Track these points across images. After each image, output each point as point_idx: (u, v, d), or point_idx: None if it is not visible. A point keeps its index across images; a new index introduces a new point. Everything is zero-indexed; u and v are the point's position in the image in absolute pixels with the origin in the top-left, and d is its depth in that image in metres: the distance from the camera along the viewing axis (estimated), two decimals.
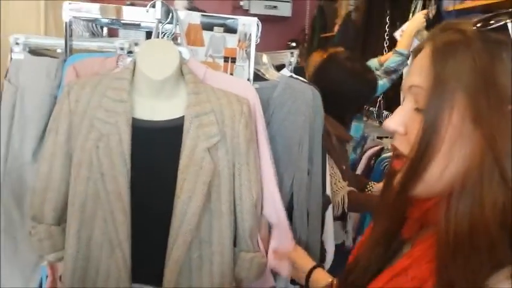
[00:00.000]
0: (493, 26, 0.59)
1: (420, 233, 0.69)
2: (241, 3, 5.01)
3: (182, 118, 1.21)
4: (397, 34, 2.49)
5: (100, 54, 1.43)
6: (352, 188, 1.82)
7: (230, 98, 1.26)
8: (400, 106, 0.68)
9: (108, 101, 1.20)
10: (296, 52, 1.64)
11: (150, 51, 1.23)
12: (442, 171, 0.61)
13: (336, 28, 3.83)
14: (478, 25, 0.60)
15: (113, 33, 2.08)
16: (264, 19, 5.00)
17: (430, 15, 2.60)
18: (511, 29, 0.58)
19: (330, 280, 1.06)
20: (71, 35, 1.49)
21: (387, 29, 3.01)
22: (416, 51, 0.68)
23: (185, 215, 1.17)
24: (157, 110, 1.24)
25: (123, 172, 1.15)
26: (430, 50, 0.63)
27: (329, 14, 4.56)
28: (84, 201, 1.18)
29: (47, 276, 1.41)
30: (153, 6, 1.33)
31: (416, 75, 0.65)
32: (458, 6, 2.38)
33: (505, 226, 0.55)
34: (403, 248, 0.72)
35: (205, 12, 4.20)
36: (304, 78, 1.62)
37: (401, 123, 0.66)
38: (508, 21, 0.59)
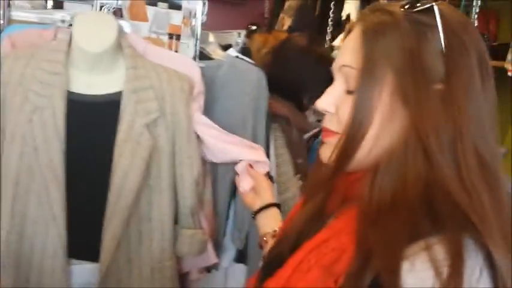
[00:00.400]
0: (419, 8, 0.61)
1: (342, 206, 0.70)
2: None
3: (120, 93, 1.20)
4: None
5: (38, 26, 1.38)
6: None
7: (170, 75, 1.25)
8: (330, 86, 0.69)
9: (43, 73, 1.16)
10: (243, 33, 1.64)
11: (87, 23, 1.20)
12: (372, 147, 0.62)
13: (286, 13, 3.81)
14: (406, 7, 0.62)
15: (58, 7, 2.00)
16: (224, 1, 4.90)
17: None
18: (437, 11, 0.60)
19: (276, 229, 1.00)
20: (8, 6, 1.43)
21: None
22: (347, 31, 0.69)
23: (122, 191, 1.15)
24: (94, 84, 1.21)
25: (56, 146, 1.13)
26: (361, 31, 0.64)
27: None
28: (18, 176, 1.14)
29: None
30: None
31: (347, 55, 0.65)
32: None
33: (427, 200, 0.57)
34: (327, 222, 0.73)
35: None
36: (251, 59, 1.61)
37: (332, 103, 0.67)
38: (433, 3, 0.61)
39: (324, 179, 0.71)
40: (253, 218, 1.07)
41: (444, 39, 0.59)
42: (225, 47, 1.64)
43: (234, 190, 1.51)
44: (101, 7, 1.40)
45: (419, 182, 0.58)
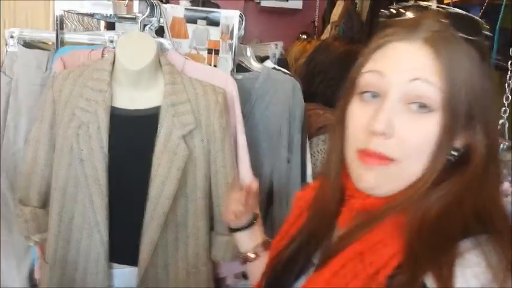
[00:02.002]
0: (476, 37, 0.62)
1: (357, 219, 0.68)
2: None
3: (159, 107, 1.27)
4: None
5: (87, 47, 1.49)
6: None
7: (206, 88, 1.31)
8: (385, 105, 0.61)
9: (88, 91, 1.26)
10: (280, 44, 1.68)
11: (128, 43, 1.29)
12: None
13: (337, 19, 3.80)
14: (464, 34, 0.62)
15: (110, 28, 2.14)
16: (275, 12, 4.98)
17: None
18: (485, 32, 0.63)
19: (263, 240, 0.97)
20: (61, 28, 1.56)
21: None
22: (376, 46, 0.65)
23: (159, 198, 1.23)
24: (136, 99, 1.30)
25: (100, 158, 1.22)
26: (427, 48, 0.61)
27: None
28: (65, 186, 1.25)
29: (37, 258, 1.49)
30: None
31: (418, 71, 0.60)
32: None
33: (476, 211, 0.59)
34: (334, 234, 0.72)
35: (217, 5, 4.23)
36: (287, 69, 1.65)
37: (391, 124, 0.60)
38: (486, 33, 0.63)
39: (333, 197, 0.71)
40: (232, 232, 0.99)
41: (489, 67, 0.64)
42: (263, 59, 1.68)
43: (270, 197, 1.55)
44: (145, 26, 1.50)
45: (473, 194, 0.60)
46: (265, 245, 0.96)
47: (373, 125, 0.60)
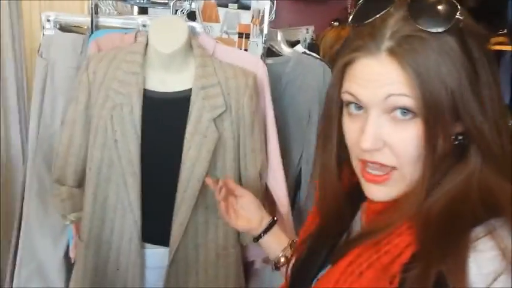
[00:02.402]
0: (445, 28, 0.60)
1: (379, 219, 0.69)
2: None
3: (190, 90, 1.28)
4: None
5: (121, 31, 1.52)
6: None
7: (236, 71, 1.32)
8: (368, 120, 0.63)
9: (122, 73, 1.29)
10: (311, 28, 1.67)
11: (161, 26, 1.31)
12: None
13: None
14: (429, 29, 0.59)
15: (143, 12, 2.16)
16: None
17: None
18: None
19: (285, 246, 1.00)
20: (96, 13, 1.59)
21: None
22: (345, 63, 0.65)
23: (189, 181, 1.25)
24: (168, 82, 1.31)
25: (133, 139, 1.24)
26: (392, 61, 0.60)
27: None
28: (100, 166, 1.28)
29: (73, 237, 1.54)
30: None
31: (391, 85, 0.61)
32: None
33: (481, 194, 0.60)
34: (354, 229, 0.75)
35: None
36: (318, 54, 1.64)
37: (378, 138, 0.63)
38: (458, 16, 0.60)
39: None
40: (256, 241, 1.03)
41: (471, 47, 0.60)
42: (294, 44, 1.68)
43: (299, 183, 1.55)
44: (176, 10, 1.51)
45: (474, 185, 0.60)
46: (292, 246, 0.98)
47: (361, 145, 0.63)
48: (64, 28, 1.64)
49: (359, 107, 0.64)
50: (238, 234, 1.36)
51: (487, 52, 0.62)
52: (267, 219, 1.04)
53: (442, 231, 0.59)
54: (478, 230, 0.56)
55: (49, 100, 1.60)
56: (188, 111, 1.27)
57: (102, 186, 1.29)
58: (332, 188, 0.75)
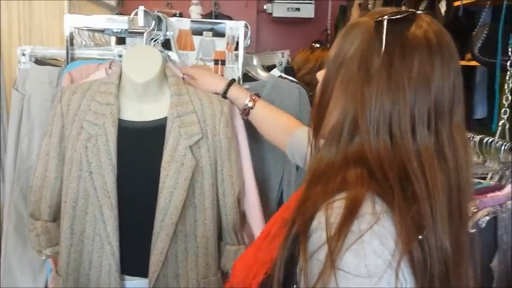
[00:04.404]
0: (379, 19, 0.71)
1: None
2: (265, 6, 5.07)
3: (165, 119, 1.28)
4: None
5: (95, 61, 1.52)
6: None
7: (211, 98, 1.33)
8: None
9: (96, 104, 1.28)
10: (287, 52, 1.69)
11: (134, 56, 1.31)
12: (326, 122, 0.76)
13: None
14: (377, 17, 0.72)
15: (121, 42, 2.18)
16: (287, 21, 5.00)
17: (442, 12, 2.58)
18: (385, 30, 0.70)
19: (249, 97, 1.35)
20: (72, 45, 1.59)
21: None
22: None
23: (167, 209, 1.23)
24: (143, 111, 1.31)
25: (109, 170, 1.23)
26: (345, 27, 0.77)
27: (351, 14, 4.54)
28: (76, 198, 1.26)
29: (51, 270, 1.51)
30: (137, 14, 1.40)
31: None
32: (467, 1, 2.34)
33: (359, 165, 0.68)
34: None
35: (230, 18, 4.27)
36: (294, 77, 1.66)
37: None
38: (385, 17, 0.70)
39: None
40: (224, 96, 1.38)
41: (387, 48, 0.69)
42: (270, 68, 1.69)
43: (280, 204, 1.54)
44: (152, 39, 1.52)
45: (347, 154, 0.70)
46: (257, 95, 1.37)
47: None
48: (40, 61, 1.65)
49: None
50: (219, 261, 1.35)
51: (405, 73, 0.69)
52: (225, 80, 1.41)
53: (313, 192, 0.68)
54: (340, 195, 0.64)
55: (25, 133, 1.59)
56: (164, 140, 1.27)
57: (78, 219, 1.27)
58: None
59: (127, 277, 1.29)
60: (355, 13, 3.98)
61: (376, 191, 0.64)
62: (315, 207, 0.64)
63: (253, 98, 1.36)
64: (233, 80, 1.41)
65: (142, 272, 1.27)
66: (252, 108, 1.36)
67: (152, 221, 1.25)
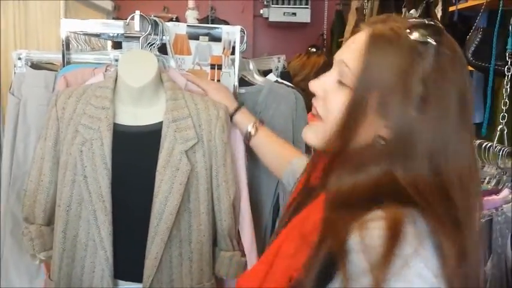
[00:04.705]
0: (421, 39, 0.69)
1: (321, 185, 0.78)
2: (261, 11, 5.08)
3: (161, 123, 1.28)
4: None
5: (90, 65, 1.52)
6: None
7: (207, 103, 1.33)
8: (326, 73, 0.79)
9: (91, 108, 1.28)
10: (283, 57, 1.69)
11: (130, 60, 1.31)
12: (352, 142, 0.72)
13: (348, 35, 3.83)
14: (411, 34, 0.69)
15: (117, 47, 2.18)
16: (283, 26, 5.01)
17: (438, 17, 2.60)
18: (433, 48, 0.68)
19: (252, 123, 1.35)
20: (68, 49, 1.59)
21: None
22: (355, 30, 0.78)
23: (162, 214, 1.23)
24: (138, 116, 1.31)
25: (104, 175, 1.23)
26: (367, 37, 0.72)
27: (347, 19, 4.56)
28: (70, 203, 1.26)
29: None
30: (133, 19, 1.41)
31: (349, 53, 0.74)
32: (462, 6, 2.35)
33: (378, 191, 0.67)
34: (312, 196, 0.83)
35: (227, 22, 4.27)
36: (291, 82, 1.66)
37: (323, 88, 0.77)
38: (431, 40, 0.68)
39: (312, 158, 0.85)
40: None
41: (432, 73, 0.67)
42: (266, 73, 1.70)
43: (277, 210, 1.55)
44: (149, 44, 1.52)
45: (378, 176, 0.68)
46: (259, 122, 1.36)
47: (309, 85, 0.79)
48: (36, 65, 1.65)
49: None
50: (213, 267, 1.35)
51: (450, 91, 0.68)
52: (235, 104, 1.39)
53: (338, 212, 0.66)
54: (373, 214, 0.63)
55: (21, 138, 1.58)
56: (159, 145, 1.27)
57: (72, 223, 1.27)
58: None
59: (120, 282, 1.29)
60: (351, 18, 4.00)
61: (415, 209, 0.63)
62: (347, 227, 0.63)
63: (256, 125, 1.36)
64: (241, 105, 1.41)
65: (136, 277, 1.27)
66: (253, 135, 1.35)
67: (147, 226, 1.24)
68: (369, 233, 0.60)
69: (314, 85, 0.79)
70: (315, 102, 0.79)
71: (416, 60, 0.67)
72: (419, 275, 0.58)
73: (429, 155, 0.66)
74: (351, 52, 0.73)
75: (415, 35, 0.68)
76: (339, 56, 0.77)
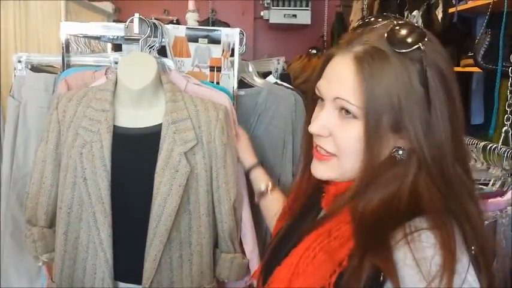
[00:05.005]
0: (409, 50, 0.69)
1: (334, 202, 0.80)
2: (262, 13, 5.09)
3: (160, 125, 1.29)
4: None
5: (91, 68, 1.53)
6: None
7: (207, 105, 1.33)
8: (322, 111, 0.76)
9: (92, 111, 1.29)
10: (282, 59, 1.69)
11: (130, 63, 1.32)
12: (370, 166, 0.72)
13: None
14: (396, 48, 0.69)
15: (117, 49, 2.18)
16: (284, 28, 5.02)
17: (439, 18, 2.60)
18: (424, 54, 0.69)
19: (266, 183, 1.30)
20: (68, 51, 1.60)
21: None
22: (327, 57, 0.76)
23: (161, 215, 1.23)
24: (138, 118, 1.32)
25: (103, 177, 1.23)
26: (353, 66, 0.71)
27: (348, 21, 4.56)
28: (71, 205, 1.26)
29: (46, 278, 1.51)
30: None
31: (342, 88, 0.72)
32: (461, 7, 2.36)
33: (409, 202, 0.68)
34: (320, 214, 0.84)
35: (228, 24, 4.26)
36: (290, 84, 1.66)
37: (325, 127, 0.76)
38: (420, 45, 0.68)
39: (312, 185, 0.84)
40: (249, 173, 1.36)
41: (428, 72, 0.68)
42: (266, 75, 1.70)
43: None
44: (149, 46, 1.52)
45: (406, 190, 0.69)
46: (273, 184, 1.31)
47: (309, 128, 0.78)
48: (36, 68, 1.65)
49: (323, 99, 0.77)
50: (213, 270, 1.35)
51: (446, 85, 0.69)
52: (254, 160, 1.37)
53: (372, 228, 0.67)
54: (399, 234, 0.64)
55: (22, 140, 1.59)
56: (159, 146, 1.27)
57: (73, 225, 1.27)
58: (302, 174, 0.89)
59: (121, 284, 1.29)
60: (355, 19, 4.00)
61: (449, 215, 0.66)
62: (387, 241, 0.64)
63: (271, 186, 1.31)
64: (259, 163, 1.38)
65: (137, 279, 1.27)
66: (266, 195, 1.31)
67: (146, 228, 1.24)
68: (417, 246, 0.62)
69: (315, 128, 0.77)
70: (320, 143, 0.78)
71: (409, 67, 0.68)
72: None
73: (449, 152, 0.69)
74: (345, 86, 0.72)
75: (401, 47, 0.69)
76: (331, 94, 0.74)
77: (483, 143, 1.39)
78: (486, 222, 1.23)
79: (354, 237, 0.68)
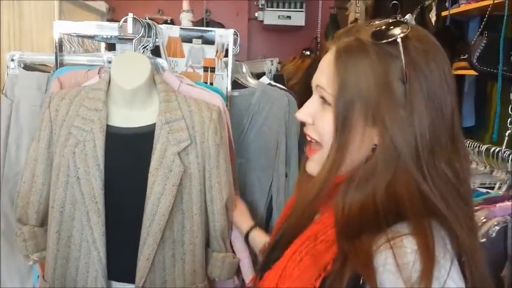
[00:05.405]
0: (386, 41, 0.69)
1: (326, 204, 0.78)
2: (256, 14, 5.10)
3: (154, 125, 1.29)
4: None
5: (84, 67, 1.52)
6: None
7: (200, 105, 1.33)
8: (309, 99, 0.78)
9: (84, 110, 1.29)
10: (276, 60, 1.70)
11: (123, 63, 1.32)
12: (349, 161, 0.72)
13: None
14: (374, 38, 0.70)
15: (111, 49, 2.18)
16: (278, 29, 5.03)
17: (433, 21, 2.62)
18: (401, 45, 0.68)
19: (266, 239, 1.22)
20: (61, 50, 1.60)
21: None
22: (325, 50, 0.78)
23: (155, 215, 1.24)
24: (131, 117, 1.32)
25: (96, 176, 1.24)
26: (333, 56, 0.73)
27: (342, 22, 4.59)
28: (63, 204, 1.26)
29: (38, 276, 1.50)
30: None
31: (323, 77, 0.75)
32: (454, 10, 2.38)
33: (391, 202, 0.67)
34: (314, 217, 0.83)
35: (222, 25, 4.26)
36: (284, 85, 1.67)
37: (309, 114, 0.77)
38: (398, 37, 0.68)
39: (315, 184, 0.79)
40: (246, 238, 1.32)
41: (405, 69, 0.67)
42: (259, 75, 1.71)
43: (270, 211, 1.56)
44: (144, 46, 1.52)
45: (385, 189, 0.68)
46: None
47: (296, 114, 0.79)
48: (29, 67, 1.65)
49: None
50: (206, 269, 1.35)
51: (428, 86, 0.68)
52: (252, 222, 1.35)
53: (352, 232, 0.67)
54: (382, 239, 0.64)
55: (14, 139, 1.59)
56: (152, 146, 1.27)
57: (65, 224, 1.27)
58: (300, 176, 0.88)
59: (114, 283, 1.29)
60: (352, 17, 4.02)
61: (432, 218, 0.65)
62: (367, 245, 0.64)
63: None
64: (256, 225, 1.37)
65: (130, 278, 1.27)
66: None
67: (139, 227, 1.25)
68: (399, 251, 0.61)
69: (300, 115, 0.78)
70: (307, 131, 0.78)
71: (388, 62, 0.68)
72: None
73: (430, 151, 0.67)
74: (325, 75, 0.74)
75: (380, 38, 0.69)
76: (315, 82, 0.76)
77: (485, 146, 1.40)
78: (497, 227, 1.21)
79: (336, 241, 0.68)
